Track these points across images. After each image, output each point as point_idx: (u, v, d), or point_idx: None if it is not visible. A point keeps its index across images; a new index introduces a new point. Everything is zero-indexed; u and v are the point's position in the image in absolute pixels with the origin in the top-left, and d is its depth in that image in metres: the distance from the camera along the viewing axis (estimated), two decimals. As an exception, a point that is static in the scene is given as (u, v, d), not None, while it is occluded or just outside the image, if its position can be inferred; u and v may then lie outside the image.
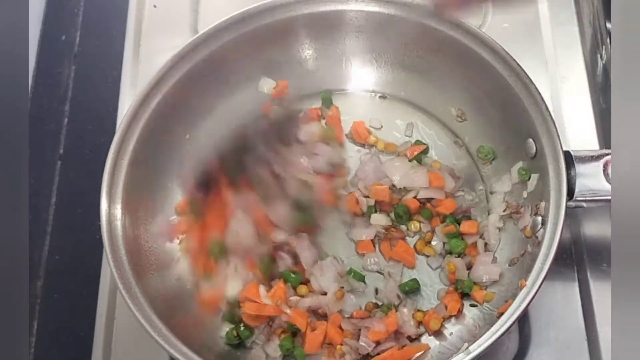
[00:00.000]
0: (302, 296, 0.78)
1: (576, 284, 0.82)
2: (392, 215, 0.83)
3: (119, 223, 0.74)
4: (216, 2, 1.03)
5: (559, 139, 0.73)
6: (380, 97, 0.91)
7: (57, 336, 0.86)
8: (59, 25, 1.06)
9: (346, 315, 0.78)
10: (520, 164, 0.79)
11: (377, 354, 0.74)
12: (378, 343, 0.75)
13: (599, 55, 0.94)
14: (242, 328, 0.77)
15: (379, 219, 0.82)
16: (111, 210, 0.74)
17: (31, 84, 1.01)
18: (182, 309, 0.77)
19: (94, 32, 1.05)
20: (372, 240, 0.82)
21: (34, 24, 1.04)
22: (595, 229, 0.84)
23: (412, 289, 0.79)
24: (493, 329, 0.67)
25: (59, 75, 1.02)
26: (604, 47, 0.93)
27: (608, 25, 0.93)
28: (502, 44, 0.79)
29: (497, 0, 0.85)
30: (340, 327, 0.76)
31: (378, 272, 0.81)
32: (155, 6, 1.02)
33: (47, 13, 1.06)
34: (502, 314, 0.69)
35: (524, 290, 0.68)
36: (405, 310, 0.77)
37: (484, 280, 0.77)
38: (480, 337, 0.67)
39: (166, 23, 1.01)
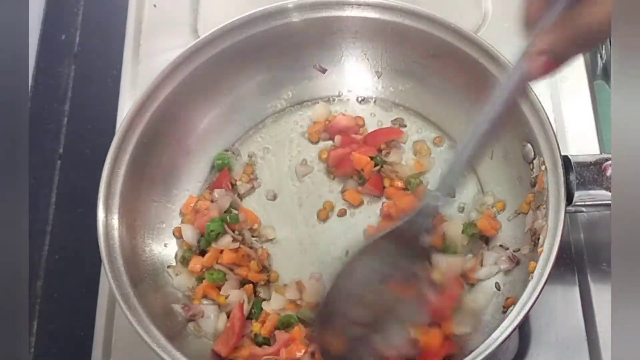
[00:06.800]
0: None
1: (576, 284, 0.82)
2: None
3: (116, 233, 0.74)
4: (216, 2, 1.03)
5: (557, 145, 0.72)
6: (375, 103, 0.91)
7: (57, 336, 0.86)
8: (58, 24, 1.06)
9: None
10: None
11: None
12: None
13: (599, 55, 0.94)
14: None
15: None
16: (108, 220, 0.74)
17: (31, 84, 1.01)
18: (179, 316, 0.78)
19: (93, 31, 1.05)
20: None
21: (34, 23, 1.04)
22: (595, 229, 0.84)
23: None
24: (494, 335, 0.66)
25: (59, 75, 1.02)
26: (604, 47, 0.93)
27: (608, 25, 0.93)
28: (502, 44, 0.78)
29: None
30: None
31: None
32: (155, 6, 1.02)
33: (47, 13, 1.06)
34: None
35: (525, 295, 0.67)
36: None
37: None
38: (481, 344, 0.67)
39: (166, 23, 1.01)
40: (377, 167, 0.85)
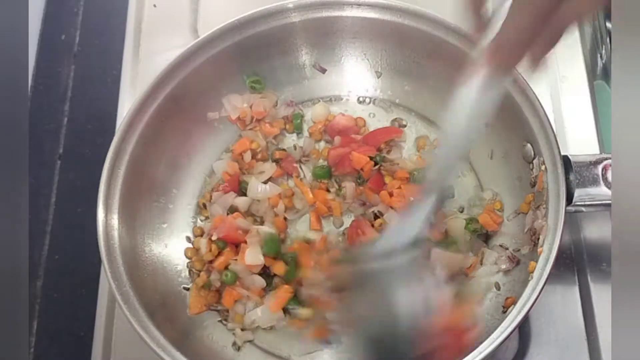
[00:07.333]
0: None
1: (576, 284, 0.82)
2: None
3: (116, 233, 0.74)
4: (216, 2, 1.03)
5: (557, 145, 0.72)
6: (375, 103, 0.91)
7: (57, 336, 0.86)
8: (58, 24, 1.06)
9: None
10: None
11: None
12: None
13: (599, 55, 0.94)
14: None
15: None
16: (108, 220, 0.74)
17: (31, 84, 1.01)
18: (178, 316, 0.78)
19: (93, 31, 1.05)
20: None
21: (34, 23, 1.04)
22: (595, 229, 0.84)
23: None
24: (494, 335, 0.66)
25: (59, 75, 1.02)
26: (604, 46, 0.93)
27: (608, 25, 0.93)
28: (502, 44, 0.78)
29: None
30: None
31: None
32: (155, 6, 1.02)
33: (47, 12, 1.06)
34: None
35: (525, 295, 0.67)
36: None
37: None
38: (481, 343, 0.67)
39: (166, 23, 1.01)
40: (377, 167, 0.85)
